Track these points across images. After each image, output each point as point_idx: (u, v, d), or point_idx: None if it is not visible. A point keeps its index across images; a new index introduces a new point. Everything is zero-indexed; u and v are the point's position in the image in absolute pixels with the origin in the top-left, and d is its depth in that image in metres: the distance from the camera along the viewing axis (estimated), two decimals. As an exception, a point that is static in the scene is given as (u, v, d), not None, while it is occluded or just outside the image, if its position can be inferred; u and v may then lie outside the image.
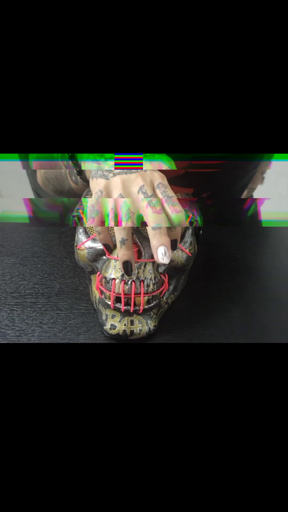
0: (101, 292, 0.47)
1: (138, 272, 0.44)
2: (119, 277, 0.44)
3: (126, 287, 0.44)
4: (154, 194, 0.40)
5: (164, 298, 0.49)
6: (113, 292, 0.44)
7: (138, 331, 0.46)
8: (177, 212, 0.40)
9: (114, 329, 0.46)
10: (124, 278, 0.44)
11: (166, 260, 0.39)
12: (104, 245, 0.44)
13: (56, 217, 0.73)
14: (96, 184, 0.43)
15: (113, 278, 0.44)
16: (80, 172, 0.56)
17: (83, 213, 0.49)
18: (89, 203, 0.42)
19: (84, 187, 0.59)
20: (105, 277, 0.45)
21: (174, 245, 0.44)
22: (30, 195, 0.85)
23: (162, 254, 0.39)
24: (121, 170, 0.42)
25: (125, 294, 0.44)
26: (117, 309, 0.45)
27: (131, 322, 0.46)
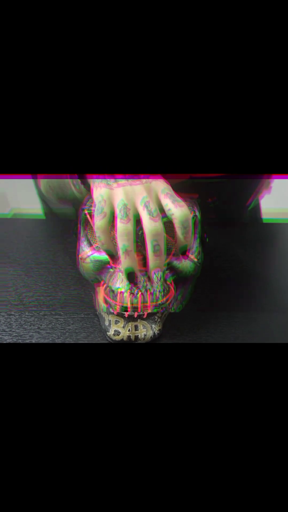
0: (107, 303, 0.45)
1: (145, 283, 0.43)
2: (127, 289, 0.43)
3: (135, 300, 0.43)
4: (158, 213, 0.40)
5: (172, 308, 0.48)
6: (121, 303, 0.43)
7: (143, 336, 0.44)
8: (180, 207, 0.40)
9: (118, 335, 0.44)
10: (132, 292, 0.42)
11: (158, 283, 0.44)
12: (107, 252, 0.43)
13: (72, 212, 0.73)
14: (99, 192, 0.42)
15: (121, 291, 0.43)
16: (84, 181, 0.55)
17: (88, 213, 0.48)
18: (96, 203, 0.41)
19: (87, 194, 0.58)
20: (111, 289, 0.44)
21: (184, 252, 0.44)
22: (37, 201, 0.85)
23: (156, 276, 0.43)
24: (126, 180, 0.41)
25: (132, 305, 0.43)
26: (120, 315, 0.44)
27: (136, 327, 0.44)
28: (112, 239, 0.48)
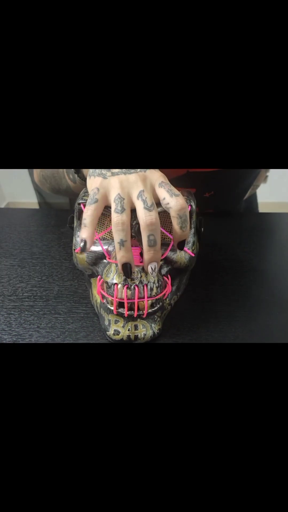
0: (103, 297, 0.45)
1: (141, 276, 0.42)
2: (122, 282, 0.42)
3: (129, 292, 0.42)
4: (154, 204, 0.39)
5: (167, 300, 0.48)
6: (116, 298, 0.42)
7: (142, 335, 0.44)
8: (176, 197, 0.40)
9: (118, 334, 0.44)
10: (127, 283, 0.42)
11: (153, 274, 0.42)
12: (82, 240, 0.40)
13: (66, 203, 0.72)
14: (93, 182, 0.41)
15: (116, 283, 0.42)
16: (78, 170, 0.54)
17: (83, 205, 0.47)
18: (90, 192, 0.41)
19: (82, 185, 0.57)
20: (106, 282, 0.43)
21: (181, 245, 0.43)
22: (32, 192, 0.84)
23: (151, 269, 0.41)
24: (120, 170, 0.40)
25: (128, 299, 0.42)
26: (120, 314, 0.44)
27: (135, 327, 0.44)
28: (104, 235, 0.48)
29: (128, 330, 0.44)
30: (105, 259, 0.46)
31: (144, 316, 0.44)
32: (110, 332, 0.44)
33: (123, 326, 0.44)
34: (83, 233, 0.40)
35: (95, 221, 0.40)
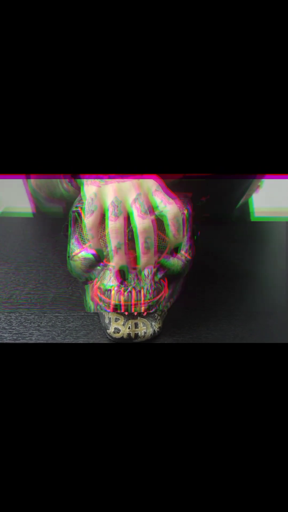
0: (100, 300, 0.44)
1: (135, 282, 0.43)
2: (117, 285, 0.42)
3: (125, 297, 0.42)
4: (148, 210, 0.40)
5: (160, 307, 0.47)
6: (113, 301, 0.43)
7: (143, 333, 0.44)
8: (170, 204, 0.40)
9: (118, 332, 0.44)
10: (122, 286, 0.42)
11: (147, 281, 0.43)
12: (96, 250, 0.43)
13: (60, 212, 0.73)
14: (89, 189, 0.42)
15: (111, 288, 0.43)
16: (72, 180, 0.55)
17: (82, 209, 0.48)
18: (86, 199, 0.41)
19: (76, 194, 0.58)
20: (102, 286, 0.44)
21: (176, 251, 0.44)
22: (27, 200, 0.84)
23: (147, 273, 0.43)
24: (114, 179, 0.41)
25: (124, 302, 0.42)
26: (120, 312, 0.43)
27: (136, 325, 0.44)
28: (101, 236, 0.48)
29: (129, 328, 0.44)
30: (100, 263, 0.46)
31: (144, 314, 0.44)
32: (111, 330, 0.44)
33: (123, 324, 0.44)
34: (94, 245, 0.42)
35: (98, 230, 0.41)
